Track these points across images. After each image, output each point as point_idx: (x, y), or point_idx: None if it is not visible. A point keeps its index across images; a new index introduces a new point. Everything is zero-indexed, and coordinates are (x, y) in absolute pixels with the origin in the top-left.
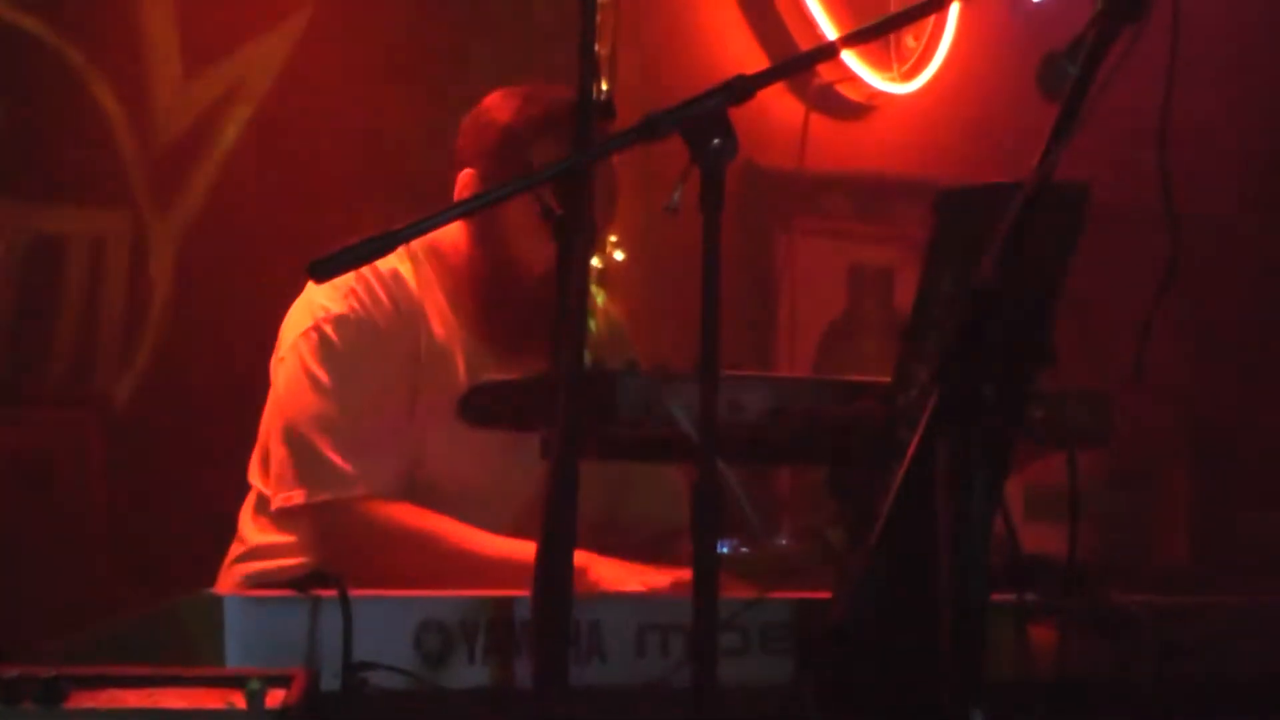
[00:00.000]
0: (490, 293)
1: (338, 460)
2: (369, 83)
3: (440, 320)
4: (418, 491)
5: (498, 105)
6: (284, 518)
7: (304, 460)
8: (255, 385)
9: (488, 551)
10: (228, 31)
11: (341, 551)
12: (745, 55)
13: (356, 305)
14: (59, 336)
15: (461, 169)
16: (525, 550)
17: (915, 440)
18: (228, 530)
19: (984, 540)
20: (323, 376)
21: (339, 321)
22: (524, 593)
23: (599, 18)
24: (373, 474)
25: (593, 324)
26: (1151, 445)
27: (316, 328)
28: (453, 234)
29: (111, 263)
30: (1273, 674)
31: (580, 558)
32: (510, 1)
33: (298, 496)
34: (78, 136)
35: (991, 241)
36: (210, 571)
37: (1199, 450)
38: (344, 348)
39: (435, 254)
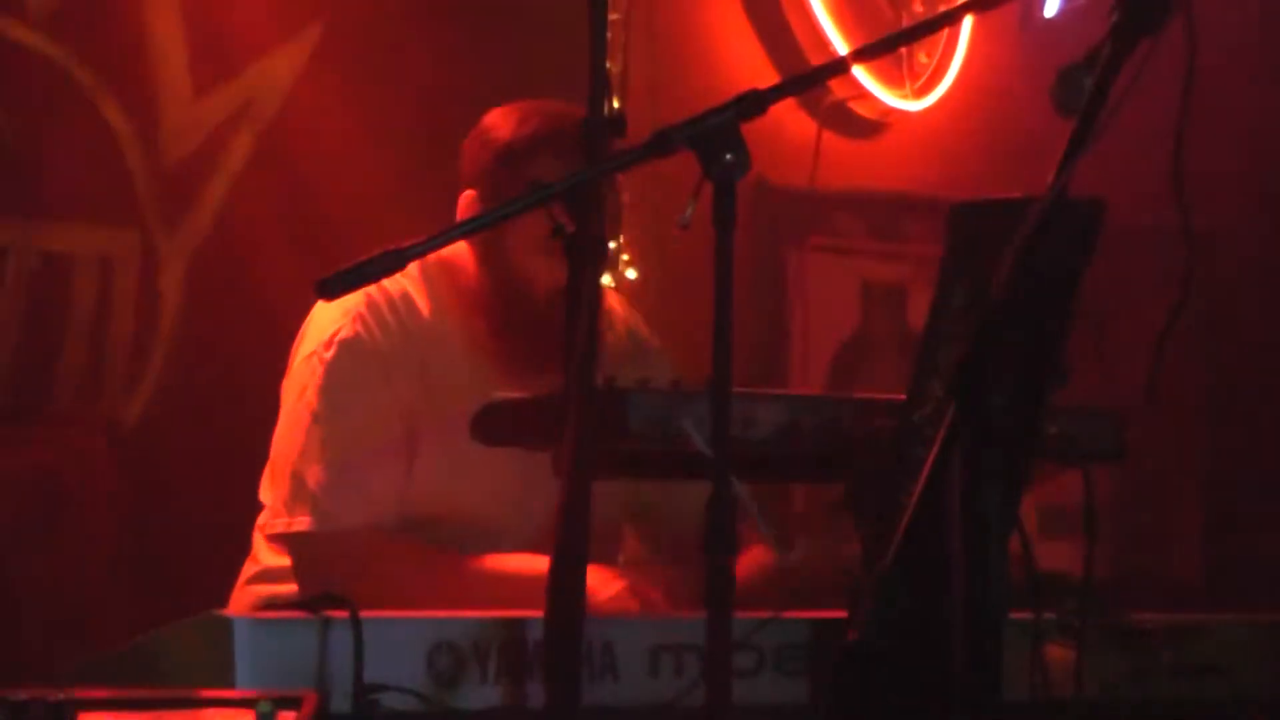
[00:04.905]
0: (498, 313)
1: (321, 493)
2: (378, 101)
3: (451, 342)
4: (428, 522)
5: (494, 124)
6: (279, 543)
7: (292, 490)
8: (264, 404)
9: (468, 571)
10: (237, 50)
11: (320, 582)
12: (757, 72)
13: (361, 329)
14: (67, 356)
15: (463, 190)
16: (510, 564)
17: (931, 456)
18: (238, 550)
19: (1001, 556)
20: (319, 406)
21: (342, 346)
22: (534, 613)
23: (611, 35)
24: (358, 506)
25: (609, 338)
26: (1166, 463)
27: (318, 353)
28: (462, 254)
29: (120, 282)
30: None
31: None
32: (522, 19)
33: (281, 526)
34: (86, 155)
35: (1005, 257)
36: (221, 592)
37: (1213, 468)
38: (343, 375)
39: (448, 273)
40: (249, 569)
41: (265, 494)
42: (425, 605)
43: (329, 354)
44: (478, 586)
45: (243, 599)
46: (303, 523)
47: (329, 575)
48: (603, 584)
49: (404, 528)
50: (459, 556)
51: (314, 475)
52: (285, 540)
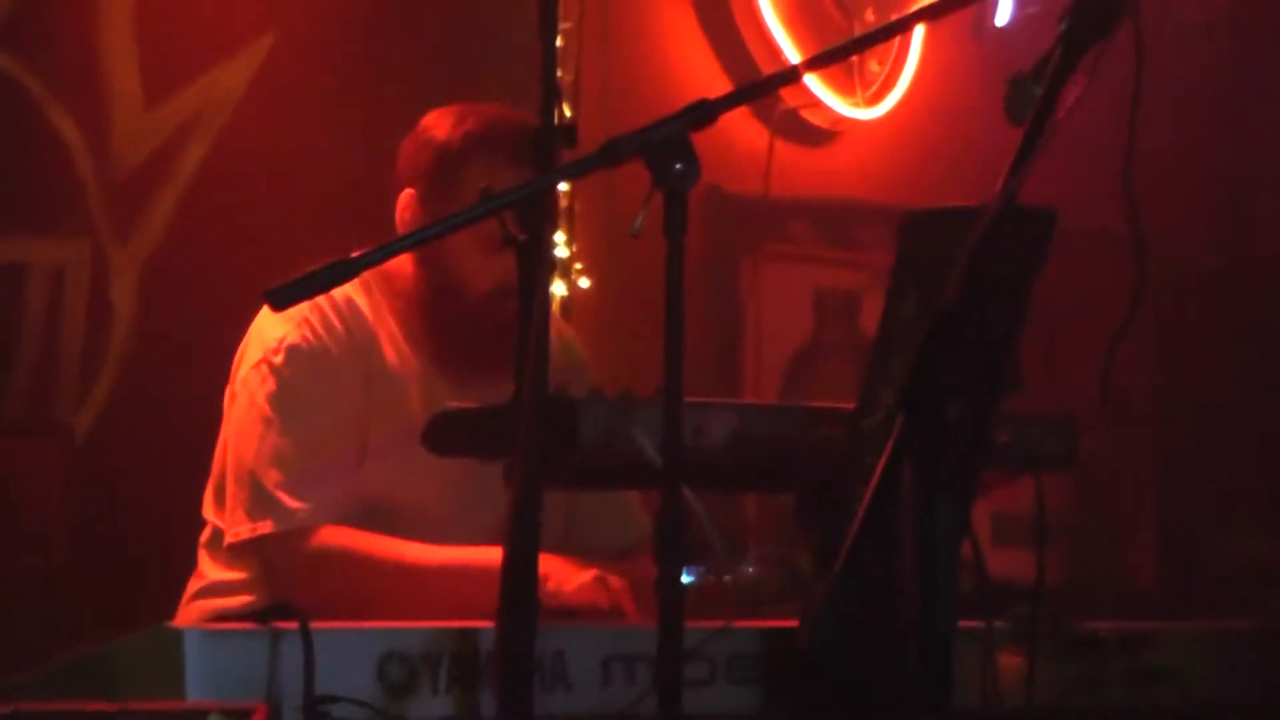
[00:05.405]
0: (437, 315)
1: (284, 496)
2: (329, 111)
3: (393, 347)
4: (378, 523)
5: (432, 124)
6: (236, 553)
7: (253, 496)
8: (216, 414)
9: (427, 561)
10: (188, 61)
11: (288, 584)
12: (711, 81)
13: (309, 335)
14: (19, 365)
15: (400, 190)
16: (464, 555)
17: (880, 465)
18: (189, 561)
19: (950, 565)
20: (272, 411)
21: (291, 352)
22: (485, 623)
23: (563, 44)
24: (319, 507)
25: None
26: (1120, 470)
27: (267, 360)
28: (399, 258)
29: (72, 291)
30: (1240, 699)
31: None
32: (473, 30)
33: (245, 532)
34: (38, 166)
35: (954, 264)
36: (172, 603)
37: (1167, 475)
38: (295, 380)
39: (386, 280)
40: (194, 584)
41: (210, 510)
42: (394, 603)
43: (279, 360)
44: (442, 582)
45: (189, 614)
46: (266, 526)
47: (298, 576)
48: (568, 576)
49: (356, 526)
50: (424, 551)
51: (274, 479)
52: (251, 545)
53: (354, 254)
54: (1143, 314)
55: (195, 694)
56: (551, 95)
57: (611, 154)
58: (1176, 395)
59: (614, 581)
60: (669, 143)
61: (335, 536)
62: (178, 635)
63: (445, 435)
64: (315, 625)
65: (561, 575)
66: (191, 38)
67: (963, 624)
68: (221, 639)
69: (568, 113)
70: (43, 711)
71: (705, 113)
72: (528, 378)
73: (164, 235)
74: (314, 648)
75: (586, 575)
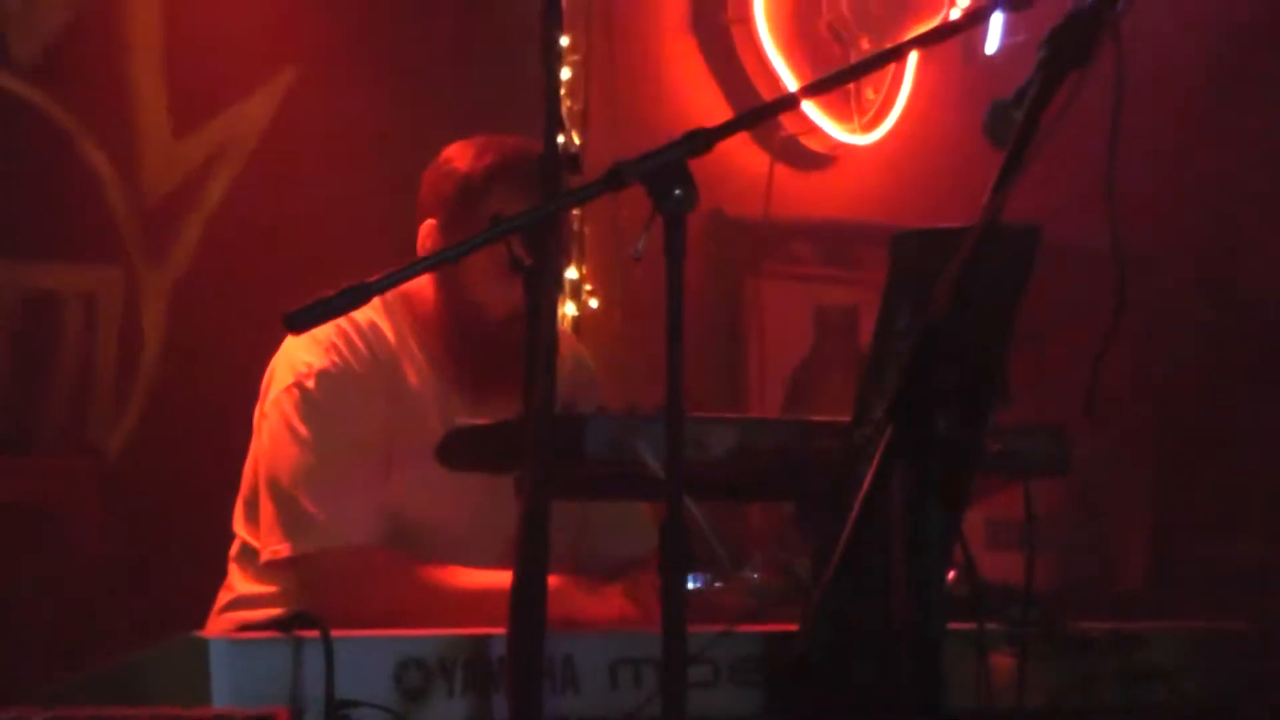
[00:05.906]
0: (456, 338)
1: (320, 513)
2: (351, 140)
3: (414, 369)
4: (401, 537)
5: (454, 156)
6: (272, 569)
7: (289, 514)
8: (244, 432)
9: (469, 585)
10: (215, 93)
11: (328, 600)
12: (714, 109)
13: (337, 359)
14: (54, 389)
15: (423, 220)
16: (505, 580)
17: (869, 475)
18: (218, 573)
19: (938, 572)
20: (305, 431)
21: (320, 376)
22: (500, 630)
23: (572, 75)
24: (354, 524)
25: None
26: (1113, 475)
27: (298, 384)
28: (420, 283)
29: (104, 317)
30: (1233, 700)
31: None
32: (496, 61)
33: (284, 550)
34: (70, 195)
35: (942, 282)
36: (202, 614)
37: (1160, 477)
38: (325, 402)
39: (407, 304)
40: (224, 596)
41: (240, 525)
42: (427, 617)
43: (310, 384)
44: (475, 600)
45: (218, 626)
46: (304, 545)
47: (336, 594)
48: (601, 602)
49: (383, 542)
50: (463, 574)
51: (310, 499)
52: (289, 564)
53: (371, 279)
54: (1136, 317)
55: (221, 700)
56: (555, 124)
57: (613, 180)
58: (1170, 398)
59: (648, 597)
60: (669, 169)
61: (374, 556)
62: (204, 644)
63: (459, 450)
64: (335, 634)
65: (593, 606)
66: (218, 71)
67: (956, 626)
68: (246, 647)
69: (576, 140)
70: (78, 717)
71: (702, 140)
72: (535, 395)
73: (192, 261)
74: (334, 655)
75: (616, 602)
